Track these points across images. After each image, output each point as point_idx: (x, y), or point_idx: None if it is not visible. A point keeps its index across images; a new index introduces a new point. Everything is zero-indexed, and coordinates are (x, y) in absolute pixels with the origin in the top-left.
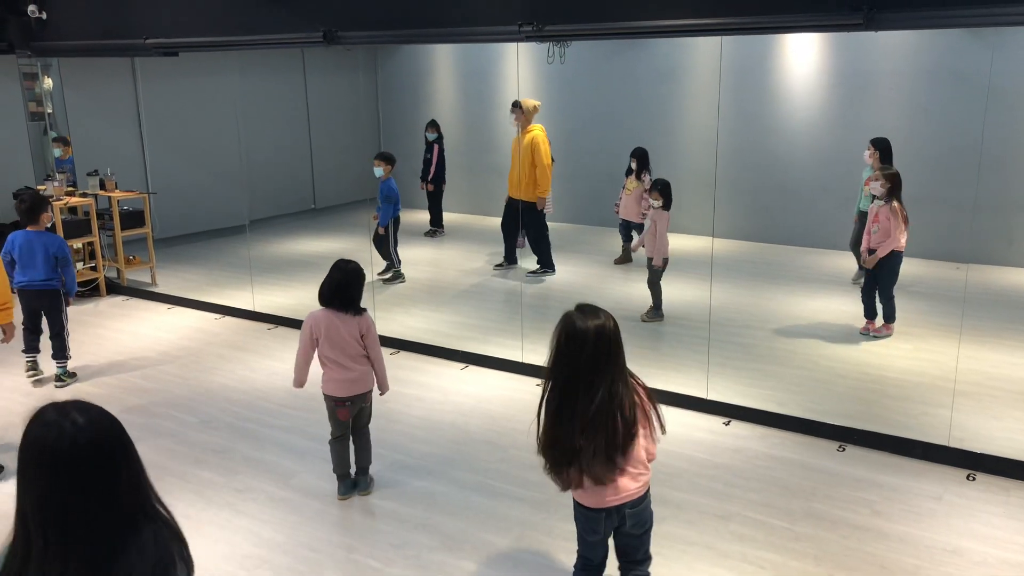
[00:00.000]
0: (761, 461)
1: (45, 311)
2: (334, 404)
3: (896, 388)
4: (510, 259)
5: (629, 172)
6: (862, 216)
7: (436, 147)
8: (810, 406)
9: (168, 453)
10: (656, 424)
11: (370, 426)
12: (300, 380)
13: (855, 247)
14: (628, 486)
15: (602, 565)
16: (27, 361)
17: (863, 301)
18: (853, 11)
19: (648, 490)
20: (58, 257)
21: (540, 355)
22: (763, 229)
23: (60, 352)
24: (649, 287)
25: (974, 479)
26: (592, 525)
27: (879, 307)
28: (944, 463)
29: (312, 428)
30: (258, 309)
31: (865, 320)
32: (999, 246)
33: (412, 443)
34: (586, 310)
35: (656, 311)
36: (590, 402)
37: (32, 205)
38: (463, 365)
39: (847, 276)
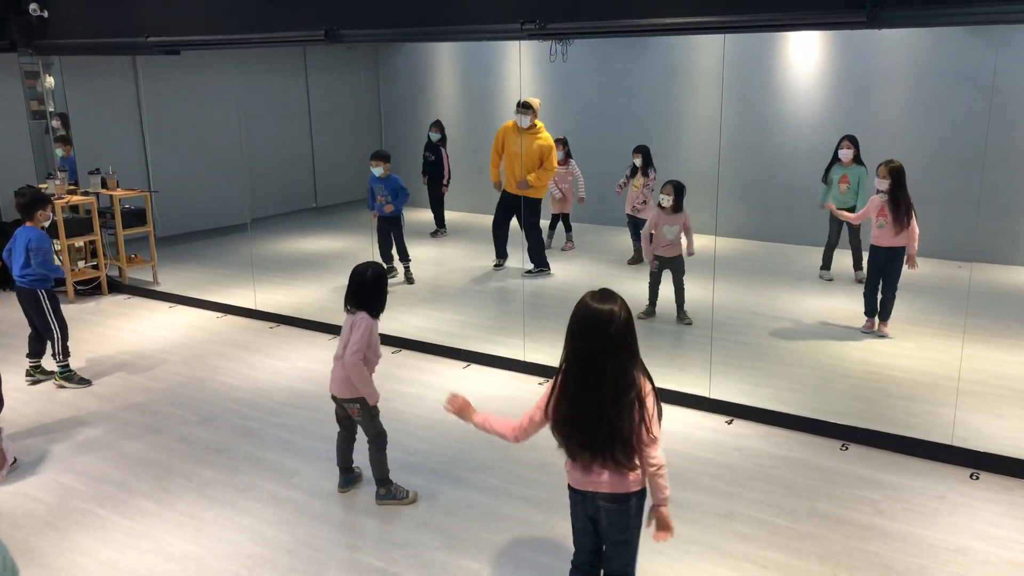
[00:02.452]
0: (764, 460)
1: (31, 310)
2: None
3: (899, 387)
4: (503, 254)
5: (635, 170)
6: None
7: (442, 149)
8: (813, 405)
9: (170, 452)
10: (652, 425)
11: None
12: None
13: (833, 249)
14: (608, 477)
15: (589, 564)
16: (29, 365)
17: (866, 298)
18: (856, 9)
19: (634, 496)
20: (30, 249)
21: (542, 354)
22: (765, 227)
23: (55, 352)
24: (677, 286)
25: (977, 478)
26: (573, 507)
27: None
28: (947, 462)
29: (314, 427)
30: (260, 308)
31: (866, 319)
32: (1003, 245)
33: (413, 442)
34: (601, 294)
35: (684, 310)
36: (600, 383)
37: (29, 202)
38: (465, 364)
39: (850, 274)
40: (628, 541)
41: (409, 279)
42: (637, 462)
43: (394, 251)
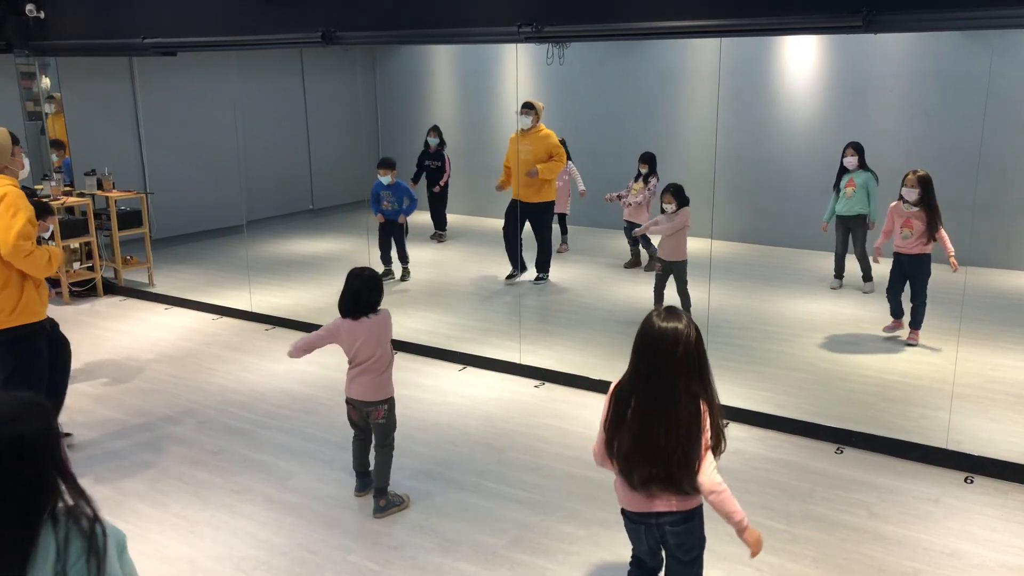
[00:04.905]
0: (759, 463)
1: None
2: (346, 402)
3: (894, 391)
4: (518, 266)
5: (638, 176)
6: (843, 222)
7: (446, 153)
8: (808, 408)
9: (165, 454)
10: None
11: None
12: (293, 353)
13: (842, 257)
14: (669, 498)
15: (656, 570)
16: None
17: (890, 300)
18: (852, 13)
19: (696, 512)
20: None
21: (538, 356)
22: (762, 231)
23: None
24: (681, 293)
25: (972, 482)
26: (633, 536)
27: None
28: (942, 466)
29: (310, 429)
30: (255, 310)
31: (892, 320)
32: (998, 249)
33: (409, 444)
34: (667, 313)
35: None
36: (671, 408)
37: None
38: (461, 366)
39: (846, 279)
40: (697, 559)
41: (404, 278)
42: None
43: (393, 253)
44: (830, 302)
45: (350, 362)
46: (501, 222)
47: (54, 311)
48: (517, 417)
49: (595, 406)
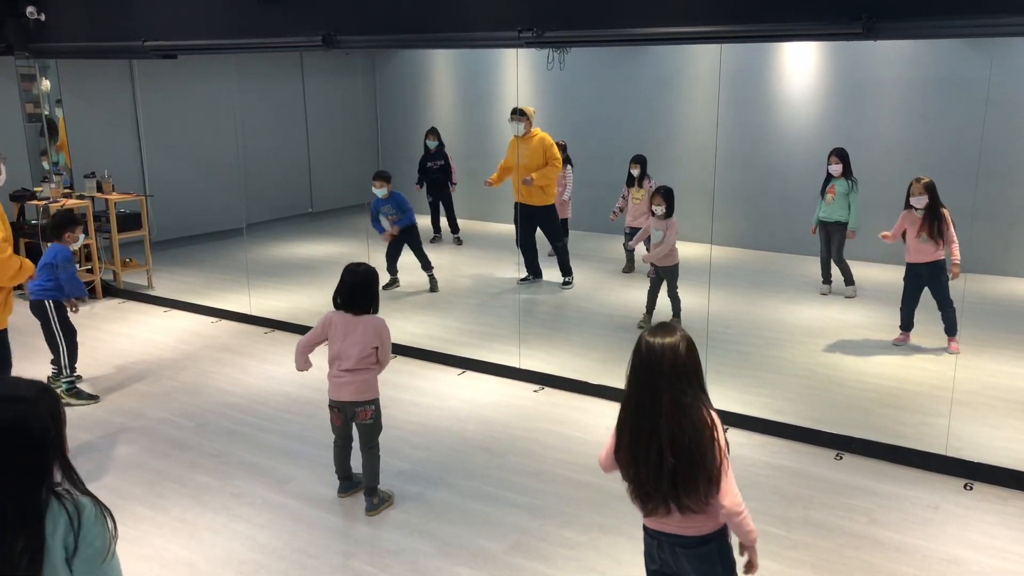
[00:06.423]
0: (759, 469)
1: (40, 321)
2: (329, 406)
3: (894, 397)
4: (534, 271)
5: (631, 181)
6: (825, 227)
7: (447, 153)
8: (808, 414)
9: (164, 457)
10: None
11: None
12: (299, 366)
13: (827, 263)
14: (678, 518)
15: None
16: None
17: (904, 313)
18: (852, 20)
19: (714, 537)
20: (56, 264)
21: (537, 360)
22: (762, 237)
23: (62, 367)
24: (671, 296)
25: (971, 488)
26: (648, 549)
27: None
28: (941, 472)
29: (309, 433)
30: (255, 313)
31: (900, 332)
32: (997, 255)
33: (408, 448)
34: (659, 328)
35: (679, 319)
36: (659, 422)
37: (57, 223)
38: (460, 370)
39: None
40: None
41: (433, 287)
42: (712, 502)
43: (400, 262)
44: (829, 308)
45: (332, 360)
46: (501, 226)
47: None
48: (516, 421)
49: (595, 411)
